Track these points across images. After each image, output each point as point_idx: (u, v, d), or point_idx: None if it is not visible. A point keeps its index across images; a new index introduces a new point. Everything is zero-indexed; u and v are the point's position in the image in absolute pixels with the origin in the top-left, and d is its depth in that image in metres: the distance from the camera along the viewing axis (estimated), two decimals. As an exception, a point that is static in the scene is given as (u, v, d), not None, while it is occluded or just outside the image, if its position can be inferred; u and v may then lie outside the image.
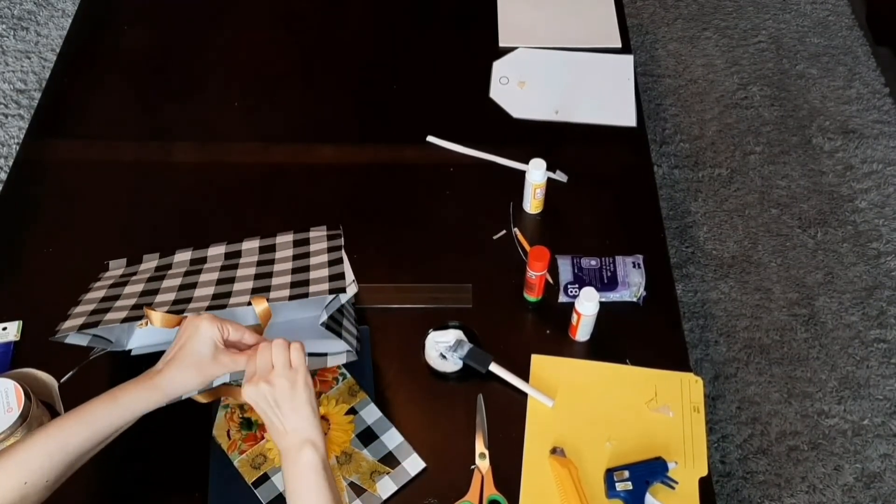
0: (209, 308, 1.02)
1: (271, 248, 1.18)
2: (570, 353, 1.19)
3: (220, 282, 1.10)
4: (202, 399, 1.01)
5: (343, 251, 1.13)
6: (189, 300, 1.06)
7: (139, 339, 1.15)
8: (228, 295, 1.06)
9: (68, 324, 1.05)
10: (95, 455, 1.02)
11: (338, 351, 1.09)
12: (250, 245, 1.20)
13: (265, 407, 0.91)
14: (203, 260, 1.19)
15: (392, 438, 1.09)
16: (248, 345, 0.97)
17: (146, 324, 1.04)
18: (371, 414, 1.11)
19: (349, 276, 1.07)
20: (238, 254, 1.18)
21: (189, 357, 0.92)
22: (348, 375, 1.14)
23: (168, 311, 1.02)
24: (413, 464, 1.07)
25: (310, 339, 1.07)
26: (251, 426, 1.10)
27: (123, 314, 1.03)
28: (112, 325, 1.02)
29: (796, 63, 2.52)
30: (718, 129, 2.35)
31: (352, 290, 1.05)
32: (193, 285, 1.11)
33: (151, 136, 1.49)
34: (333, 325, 1.06)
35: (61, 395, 1.13)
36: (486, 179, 1.41)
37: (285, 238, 1.20)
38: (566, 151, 1.44)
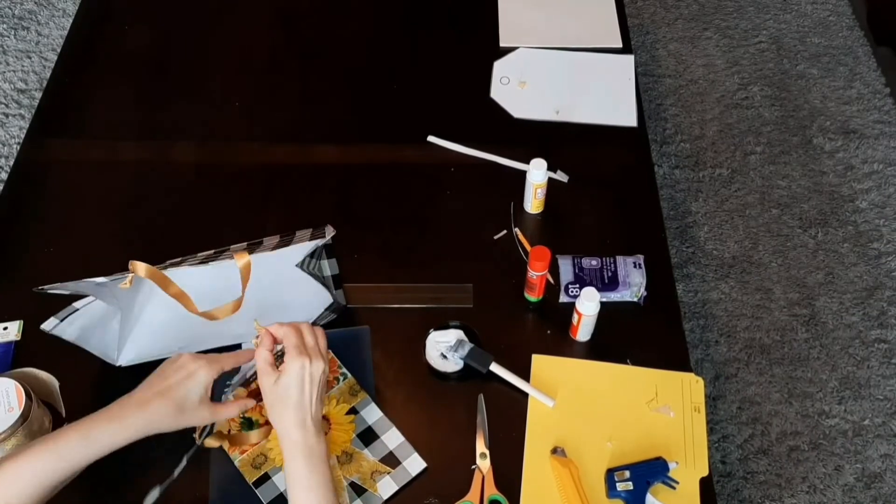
0: (198, 263, 1.03)
1: (258, 244, 1.19)
2: (570, 353, 1.19)
3: (204, 260, 1.12)
4: (214, 443, 1.02)
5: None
6: (176, 264, 1.06)
7: (130, 352, 1.14)
8: (211, 258, 1.08)
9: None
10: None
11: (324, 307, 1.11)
12: (238, 245, 1.21)
13: (309, 386, 0.91)
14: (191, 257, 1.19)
15: (393, 438, 1.09)
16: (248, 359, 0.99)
17: (130, 282, 1.05)
18: (372, 414, 1.11)
19: (329, 232, 1.10)
20: (226, 249, 1.19)
21: (175, 399, 0.90)
22: (349, 375, 1.14)
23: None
24: (414, 464, 1.07)
25: (293, 298, 1.11)
26: (252, 426, 1.09)
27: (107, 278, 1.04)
28: (97, 283, 1.01)
29: (797, 63, 2.52)
30: (719, 129, 2.35)
31: (329, 231, 1.08)
32: (180, 262, 1.11)
33: (151, 136, 1.49)
34: (315, 273, 1.08)
35: (62, 395, 1.13)
36: (487, 179, 1.41)
37: (272, 239, 1.21)
38: (567, 151, 1.44)
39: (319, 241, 1.07)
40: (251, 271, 1.04)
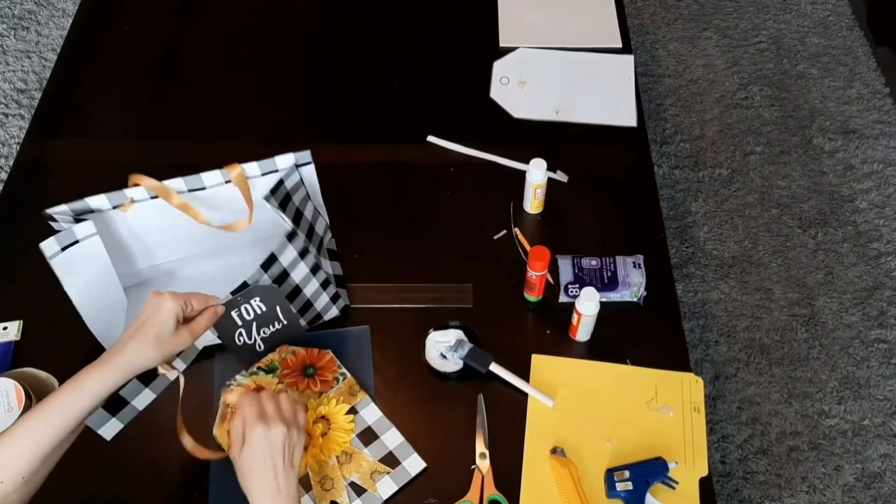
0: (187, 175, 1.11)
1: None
2: (570, 353, 1.19)
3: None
4: (207, 455, 1.02)
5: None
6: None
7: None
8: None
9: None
10: (95, 455, 1.02)
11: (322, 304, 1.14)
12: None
13: (273, 452, 0.91)
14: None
15: (392, 438, 1.09)
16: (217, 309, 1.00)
17: (130, 203, 1.08)
18: (371, 414, 1.11)
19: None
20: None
21: (150, 333, 0.92)
22: (349, 375, 1.14)
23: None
24: (413, 464, 1.07)
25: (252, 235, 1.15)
26: None
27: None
28: (98, 201, 1.07)
29: (796, 63, 2.52)
30: (719, 129, 2.35)
31: (306, 156, 1.14)
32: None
33: (151, 136, 1.49)
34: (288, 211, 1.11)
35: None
36: (487, 179, 1.41)
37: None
38: (566, 151, 1.44)
39: (290, 159, 1.12)
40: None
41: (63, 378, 1.13)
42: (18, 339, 1.20)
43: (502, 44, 1.63)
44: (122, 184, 1.11)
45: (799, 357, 1.90)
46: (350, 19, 1.70)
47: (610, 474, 1.05)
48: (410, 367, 1.17)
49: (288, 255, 1.07)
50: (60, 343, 1.18)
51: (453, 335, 1.16)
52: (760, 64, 2.52)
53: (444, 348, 1.15)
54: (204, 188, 1.14)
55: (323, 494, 1.04)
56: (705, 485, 1.06)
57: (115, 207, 1.10)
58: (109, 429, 0.99)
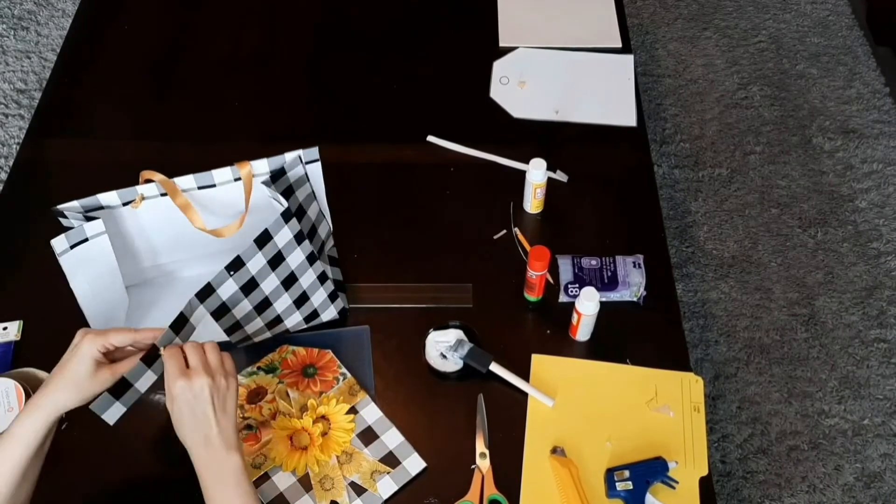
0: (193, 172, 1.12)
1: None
2: (570, 352, 1.19)
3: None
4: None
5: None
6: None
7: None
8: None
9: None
10: (95, 456, 1.02)
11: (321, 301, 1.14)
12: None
13: (198, 403, 0.91)
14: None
15: (392, 438, 1.09)
16: (145, 346, 0.97)
17: (140, 200, 1.09)
18: (371, 413, 1.11)
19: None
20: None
21: (66, 377, 0.92)
22: (349, 375, 1.14)
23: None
24: (413, 463, 1.07)
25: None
26: (251, 428, 1.10)
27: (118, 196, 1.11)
28: (109, 197, 1.08)
29: (796, 63, 2.52)
30: (718, 128, 2.35)
31: (313, 153, 1.15)
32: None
33: (151, 136, 1.49)
34: (286, 197, 1.10)
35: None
36: (487, 179, 1.41)
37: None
38: (566, 151, 1.44)
39: (295, 155, 1.13)
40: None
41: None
42: (18, 339, 1.20)
43: (502, 43, 1.63)
44: (121, 184, 1.11)
45: (799, 357, 1.90)
46: (350, 19, 1.70)
47: (610, 474, 1.05)
48: (410, 367, 1.17)
49: (283, 237, 1.06)
50: (60, 343, 1.18)
51: (453, 335, 1.16)
52: (760, 63, 2.52)
53: (444, 348, 1.15)
54: (214, 185, 1.14)
55: (323, 494, 1.04)
56: (705, 484, 1.06)
57: (125, 204, 1.11)
58: (113, 413, 0.99)
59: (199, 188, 1.14)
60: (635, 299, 1.24)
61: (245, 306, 1.08)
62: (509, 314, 1.24)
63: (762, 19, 2.65)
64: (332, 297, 1.18)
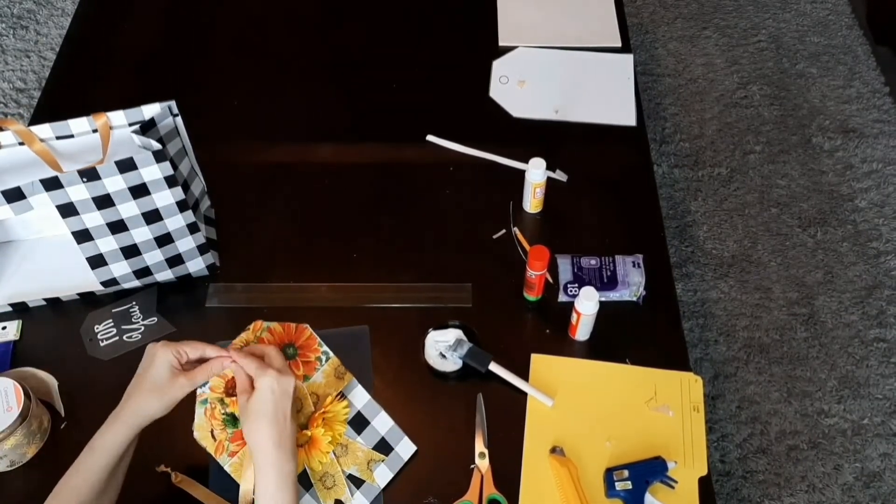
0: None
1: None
2: (569, 352, 1.19)
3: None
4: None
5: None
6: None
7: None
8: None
9: None
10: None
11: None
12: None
13: (283, 400, 0.92)
14: None
15: (383, 423, 1.10)
16: (209, 358, 0.98)
17: None
18: (359, 397, 1.10)
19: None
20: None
21: (147, 385, 0.94)
22: (331, 354, 1.08)
23: None
24: (405, 448, 1.08)
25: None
26: (236, 422, 1.01)
27: None
28: None
29: (796, 62, 2.52)
30: (718, 128, 2.35)
31: (173, 107, 1.16)
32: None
33: (151, 136, 1.49)
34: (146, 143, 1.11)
35: (60, 394, 1.13)
36: (486, 179, 1.41)
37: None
38: (566, 151, 1.44)
39: (156, 108, 1.15)
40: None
41: (62, 378, 1.14)
42: (18, 338, 1.20)
43: (502, 43, 1.63)
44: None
45: (798, 356, 1.90)
46: (349, 19, 1.70)
47: (609, 474, 1.05)
48: (410, 367, 1.17)
49: (151, 173, 1.08)
50: (60, 343, 1.18)
51: (452, 335, 1.16)
52: (760, 63, 2.52)
53: (443, 348, 1.15)
54: (72, 136, 1.16)
55: (326, 493, 1.03)
56: (705, 484, 1.06)
57: None
58: None
59: (58, 138, 1.15)
60: (635, 299, 1.24)
61: (97, 218, 1.09)
62: (509, 314, 1.24)
63: (762, 19, 2.65)
64: (203, 249, 1.20)
